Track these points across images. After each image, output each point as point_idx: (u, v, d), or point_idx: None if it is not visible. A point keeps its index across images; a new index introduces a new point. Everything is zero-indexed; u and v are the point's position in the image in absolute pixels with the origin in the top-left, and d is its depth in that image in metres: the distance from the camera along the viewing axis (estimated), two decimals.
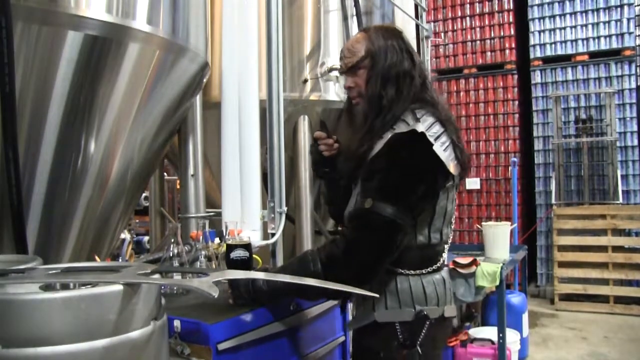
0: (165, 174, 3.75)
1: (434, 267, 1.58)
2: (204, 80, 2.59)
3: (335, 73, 3.19)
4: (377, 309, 1.53)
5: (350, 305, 1.81)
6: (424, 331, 1.52)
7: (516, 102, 6.79)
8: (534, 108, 6.73)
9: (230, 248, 1.69)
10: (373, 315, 1.54)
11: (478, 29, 7.01)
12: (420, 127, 1.46)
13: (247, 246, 1.69)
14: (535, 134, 6.74)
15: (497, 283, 3.36)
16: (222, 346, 1.38)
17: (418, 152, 1.46)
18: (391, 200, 1.42)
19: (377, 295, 1.52)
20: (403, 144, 1.47)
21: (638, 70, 6.39)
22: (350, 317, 1.88)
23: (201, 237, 2.00)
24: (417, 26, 4.54)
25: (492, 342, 3.63)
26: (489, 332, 3.74)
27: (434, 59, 6.86)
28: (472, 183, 6.73)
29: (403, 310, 1.53)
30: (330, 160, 1.71)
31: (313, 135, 1.72)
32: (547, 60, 6.65)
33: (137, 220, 4.60)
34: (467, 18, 7.07)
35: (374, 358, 1.55)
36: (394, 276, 1.54)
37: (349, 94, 1.61)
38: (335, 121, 3.28)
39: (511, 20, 6.83)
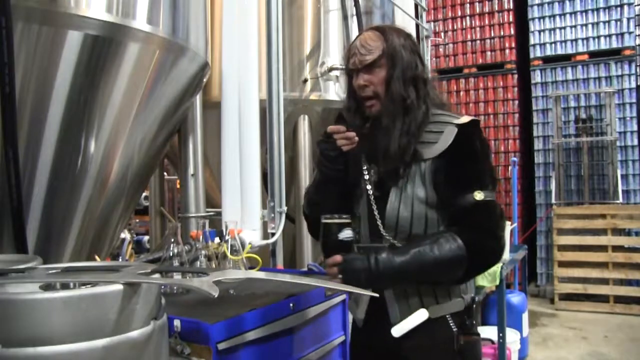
0: (165, 174, 3.76)
1: None
2: (204, 80, 2.59)
3: (336, 73, 3.19)
4: (427, 306, 1.49)
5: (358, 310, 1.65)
6: (472, 314, 1.51)
7: (516, 102, 6.79)
8: (534, 108, 6.73)
9: (339, 227, 1.44)
10: (425, 313, 1.49)
11: (478, 29, 7.01)
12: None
13: (350, 224, 1.46)
14: (535, 133, 6.74)
15: (497, 283, 3.36)
16: (222, 346, 1.38)
17: (486, 140, 1.54)
18: (489, 187, 1.46)
19: (377, 295, 1.51)
20: (476, 133, 1.50)
21: (638, 70, 6.39)
22: (350, 319, 1.82)
23: (201, 237, 2.00)
24: (417, 26, 4.54)
25: (492, 342, 3.63)
26: (489, 332, 3.74)
27: (434, 59, 6.87)
28: None
29: (454, 301, 1.51)
30: (345, 156, 1.55)
31: (327, 129, 1.53)
32: (547, 59, 6.65)
33: (137, 220, 4.60)
34: (467, 18, 7.07)
35: (427, 356, 1.50)
36: None
37: (360, 92, 1.54)
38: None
39: (511, 20, 6.84)
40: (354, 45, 1.55)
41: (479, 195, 1.43)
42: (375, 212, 1.52)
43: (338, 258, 1.40)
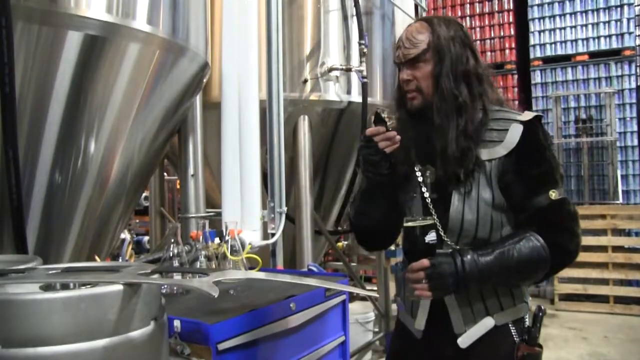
0: (165, 174, 3.76)
1: None
2: (204, 80, 2.59)
3: (336, 73, 3.19)
4: (491, 313, 1.42)
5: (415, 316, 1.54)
6: (538, 325, 1.43)
7: (516, 102, 6.78)
8: (534, 108, 6.73)
9: (423, 230, 1.36)
10: (490, 320, 1.42)
11: (478, 29, 7.02)
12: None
13: (435, 226, 1.39)
14: None
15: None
16: (222, 346, 1.38)
17: (549, 135, 1.48)
18: (560, 184, 1.42)
19: (377, 295, 1.51)
20: (541, 128, 1.44)
21: (638, 70, 6.39)
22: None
23: (201, 238, 2.00)
24: None
25: None
26: None
27: None
28: None
29: (518, 307, 1.45)
30: (390, 158, 1.44)
31: (365, 133, 1.43)
32: (547, 60, 6.66)
33: (137, 220, 4.61)
34: (467, 18, 7.07)
35: None
36: None
37: (405, 87, 1.46)
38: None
39: (511, 20, 6.84)
40: (401, 37, 1.47)
41: (554, 194, 1.39)
42: (434, 216, 1.42)
43: (426, 262, 1.33)
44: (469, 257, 1.33)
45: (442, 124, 1.41)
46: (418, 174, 1.46)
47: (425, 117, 1.45)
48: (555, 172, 1.43)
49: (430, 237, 1.36)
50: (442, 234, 1.42)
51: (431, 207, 1.42)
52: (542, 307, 1.47)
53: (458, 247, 1.41)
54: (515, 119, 1.43)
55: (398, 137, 1.40)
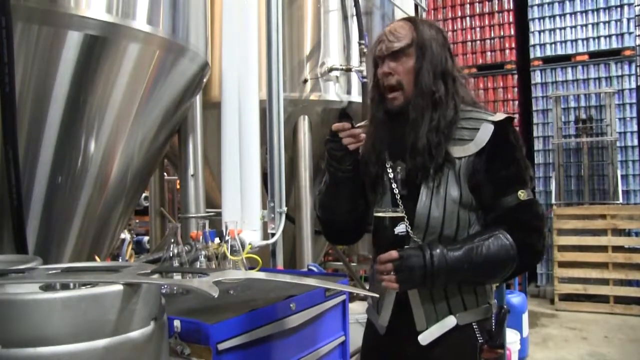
0: (165, 174, 3.76)
1: None
2: (204, 80, 2.59)
3: (336, 73, 3.20)
4: (455, 312, 1.43)
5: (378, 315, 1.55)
6: (500, 325, 1.45)
7: (516, 102, 6.79)
8: (534, 108, 6.73)
9: (393, 221, 1.37)
10: (452, 319, 1.43)
11: (478, 29, 7.01)
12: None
13: (404, 218, 1.40)
14: (535, 134, 6.74)
15: (497, 283, 3.36)
16: (222, 346, 1.38)
17: (519, 136, 1.48)
18: (529, 185, 1.43)
19: (377, 295, 1.51)
20: (512, 129, 1.45)
21: (638, 70, 6.39)
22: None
23: (201, 238, 2.00)
24: None
25: None
26: None
27: None
28: None
29: (481, 308, 1.46)
30: (354, 155, 1.47)
31: (331, 128, 1.45)
32: (547, 60, 6.65)
33: (137, 220, 4.60)
34: (467, 18, 7.07)
35: None
36: None
37: (384, 80, 1.46)
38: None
39: (511, 20, 6.84)
40: (383, 32, 1.49)
41: (523, 195, 1.40)
42: (404, 212, 1.43)
43: (395, 254, 1.33)
44: (437, 251, 1.33)
45: (417, 118, 1.43)
46: (389, 170, 1.48)
47: (400, 116, 1.46)
48: (524, 172, 1.44)
49: (400, 228, 1.37)
50: (409, 229, 1.42)
51: (400, 203, 1.44)
52: (505, 307, 1.49)
53: (424, 243, 1.41)
54: (486, 119, 1.44)
55: (363, 135, 1.43)
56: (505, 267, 1.39)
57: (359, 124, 1.50)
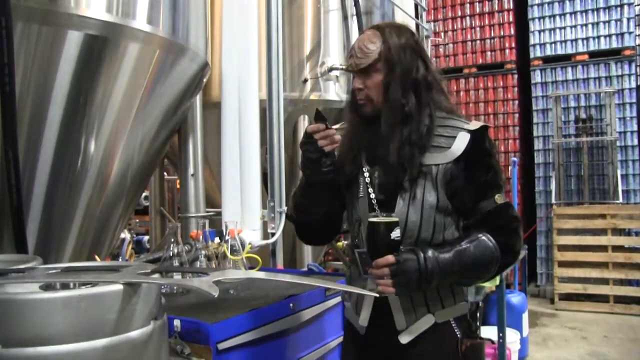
0: (165, 174, 3.76)
1: None
2: (204, 80, 2.59)
3: (336, 73, 3.20)
4: (433, 310, 1.46)
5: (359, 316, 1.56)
6: (476, 317, 1.52)
7: (516, 102, 6.78)
8: (534, 108, 6.73)
9: (388, 227, 1.37)
10: (431, 317, 1.46)
11: (478, 29, 7.01)
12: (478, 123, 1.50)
13: (398, 223, 1.40)
14: (535, 133, 6.74)
15: (497, 283, 3.36)
16: (222, 346, 1.38)
17: (494, 143, 1.53)
18: (503, 189, 1.48)
19: (377, 295, 1.51)
20: (488, 138, 1.49)
21: (638, 70, 6.39)
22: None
23: (201, 237, 2.00)
24: (417, 26, 4.54)
25: (492, 342, 3.62)
26: (489, 332, 3.74)
27: (434, 59, 6.86)
28: None
29: (459, 305, 1.50)
30: (329, 157, 1.47)
31: (306, 130, 1.45)
32: (547, 59, 6.65)
33: (137, 220, 4.60)
34: (467, 18, 7.07)
35: None
36: None
37: (357, 95, 1.48)
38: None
39: (511, 20, 6.83)
40: (353, 46, 1.50)
41: (499, 199, 1.45)
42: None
43: (391, 258, 1.35)
44: (429, 254, 1.36)
45: (388, 133, 1.44)
46: (366, 174, 1.49)
47: (376, 121, 1.48)
48: (498, 177, 1.48)
49: (395, 234, 1.37)
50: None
51: (376, 207, 1.45)
52: (479, 302, 1.59)
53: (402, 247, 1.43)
54: (463, 127, 1.46)
55: (338, 137, 1.43)
56: (490, 267, 1.44)
57: (335, 126, 1.51)
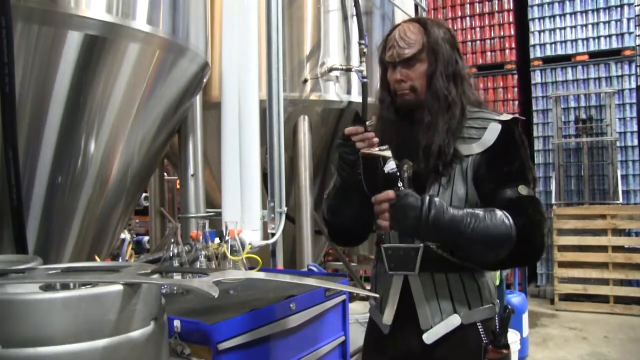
0: (165, 174, 3.76)
1: None
2: (204, 80, 2.59)
3: (336, 73, 3.19)
4: (459, 311, 1.43)
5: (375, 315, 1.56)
6: (504, 326, 1.44)
7: (516, 102, 6.79)
8: (534, 108, 6.73)
9: (383, 160, 1.34)
10: (457, 318, 1.43)
11: (478, 29, 7.02)
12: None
13: (392, 157, 1.36)
14: (535, 133, 6.74)
15: (497, 283, 3.36)
16: (222, 346, 1.38)
17: (525, 138, 1.50)
18: (531, 185, 1.43)
19: (377, 295, 1.51)
20: (517, 130, 1.47)
21: (638, 70, 6.39)
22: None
23: (201, 237, 2.00)
24: None
25: None
26: None
27: None
28: None
29: (485, 307, 1.47)
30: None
31: (343, 132, 1.42)
32: (547, 60, 6.65)
33: (137, 220, 4.60)
34: (467, 18, 7.07)
35: None
36: (471, 272, 1.47)
37: (396, 87, 1.46)
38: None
39: (511, 20, 6.84)
40: (392, 37, 1.48)
41: (523, 190, 1.40)
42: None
43: (391, 194, 1.31)
44: (437, 201, 1.32)
45: (432, 121, 1.43)
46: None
47: (408, 116, 1.47)
48: (527, 171, 1.44)
49: (390, 166, 1.34)
50: (406, 169, 1.43)
51: None
52: (509, 307, 1.48)
53: (430, 243, 1.41)
54: (494, 118, 1.47)
55: (376, 139, 1.40)
56: (502, 245, 1.35)
57: (367, 123, 1.48)
